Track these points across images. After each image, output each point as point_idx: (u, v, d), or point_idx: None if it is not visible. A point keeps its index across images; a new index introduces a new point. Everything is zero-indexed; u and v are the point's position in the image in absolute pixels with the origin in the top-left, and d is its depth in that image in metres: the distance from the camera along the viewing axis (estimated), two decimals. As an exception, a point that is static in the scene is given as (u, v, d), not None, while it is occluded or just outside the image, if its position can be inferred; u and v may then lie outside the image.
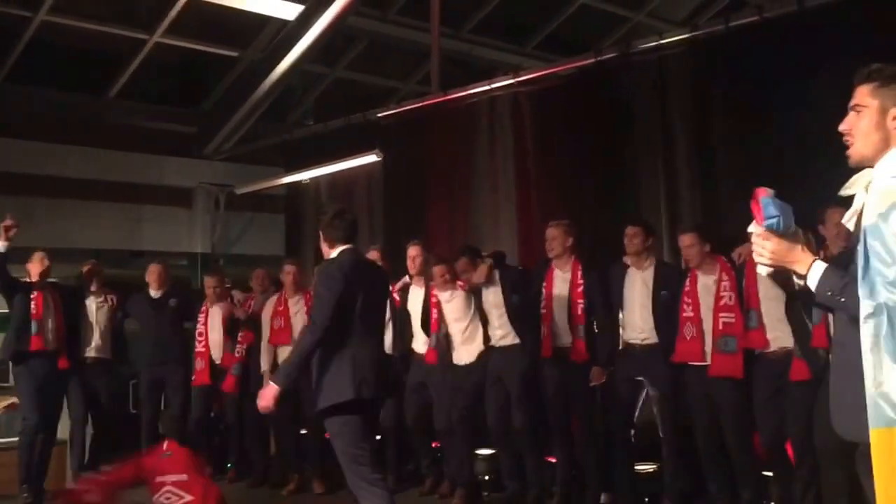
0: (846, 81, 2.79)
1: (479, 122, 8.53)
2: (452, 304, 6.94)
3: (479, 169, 8.59)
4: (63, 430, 7.77)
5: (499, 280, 6.74)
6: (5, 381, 7.96)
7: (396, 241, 7.96)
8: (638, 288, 6.28)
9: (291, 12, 9.14)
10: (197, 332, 8.11)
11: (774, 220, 2.69)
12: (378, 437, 7.21)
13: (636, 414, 6.39)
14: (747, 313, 5.67)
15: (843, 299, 2.58)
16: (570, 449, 6.62)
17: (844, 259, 2.90)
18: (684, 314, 5.98)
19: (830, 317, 4.39)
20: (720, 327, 5.79)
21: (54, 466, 7.72)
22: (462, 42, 10.69)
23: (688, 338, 5.96)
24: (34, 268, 7.49)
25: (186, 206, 11.02)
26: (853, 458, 2.75)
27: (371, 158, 9.21)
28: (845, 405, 2.68)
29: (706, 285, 5.92)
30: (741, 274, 5.73)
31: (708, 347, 5.86)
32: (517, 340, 6.65)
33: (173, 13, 9.09)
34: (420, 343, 7.17)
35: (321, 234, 5.17)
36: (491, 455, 7.03)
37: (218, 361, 7.99)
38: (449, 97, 8.57)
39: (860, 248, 2.48)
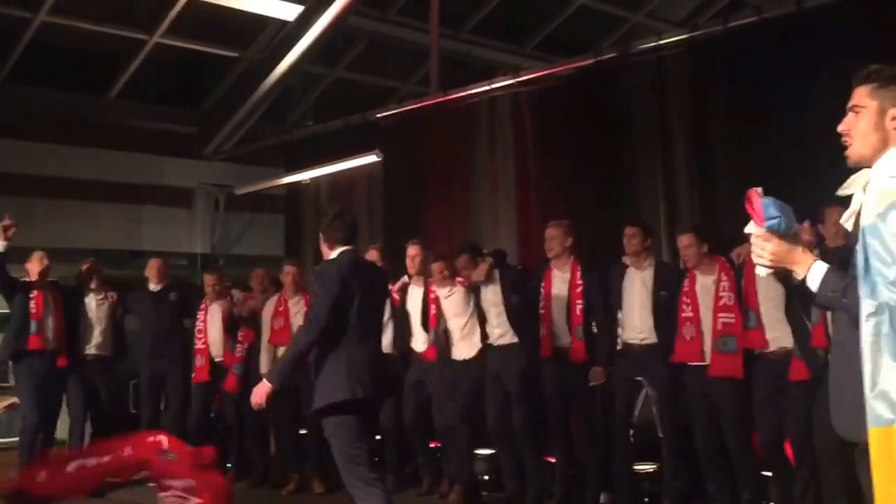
0: (845, 82, 2.80)
1: (479, 122, 8.54)
2: (451, 299, 6.96)
3: (478, 169, 8.61)
4: (63, 428, 7.78)
5: (498, 279, 6.75)
6: (5, 382, 7.98)
7: (396, 242, 7.96)
8: (637, 288, 6.28)
9: (291, 13, 9.15)
10: (196, 329, 8.11)
11: (776, 222, 2.69)
12: (378, 438, 7.24)
13: (635, 414, 6.39)
14: (746, 313, 5.67)
15: (845, 300, 2.58)
16: (570, 449, 6.63)
17: (842, 253, 2.90)
18: (683, 314, 5.99)
19: (829, 316, 4.41)
20: (719, 327, 5.80)
21: (54, 466, 7.73)
22: (461, 42, 10.70)
23: (687, 338, 5.96)
24: (33, 267, 7.51)
25: (186, 207, 11.04)
26: (852, 458, 2.75)
27: (371, 159, 9.22)
28: (845, 405, 2.68)
29: (705, 285, 5.93)
30: (740, 274, 5.74)
31: (707, 347, 5.87)
32: (515, 340, 6.67)
33: (173, 14, 9.11)
34: (419, 342, 7.19)
35: (321, 235, 5.20)
36: (491, 455, 7.04)
37: (218, 359, 8.00)
38: (448, 97, 8.58)
39: (859, 247, 2.48)
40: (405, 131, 9.16)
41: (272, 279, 8.21)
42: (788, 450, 5.52)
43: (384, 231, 9.27)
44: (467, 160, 8.67)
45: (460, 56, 10.76)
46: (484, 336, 6.81)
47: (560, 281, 6.54)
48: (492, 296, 6.76)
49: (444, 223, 8.74)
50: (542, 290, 6.57)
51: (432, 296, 7.05)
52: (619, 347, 6.44)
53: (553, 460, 6.70)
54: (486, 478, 7.09)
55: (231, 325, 7.95)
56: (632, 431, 6.35)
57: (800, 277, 2.72)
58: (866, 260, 2.44)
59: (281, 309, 7.58)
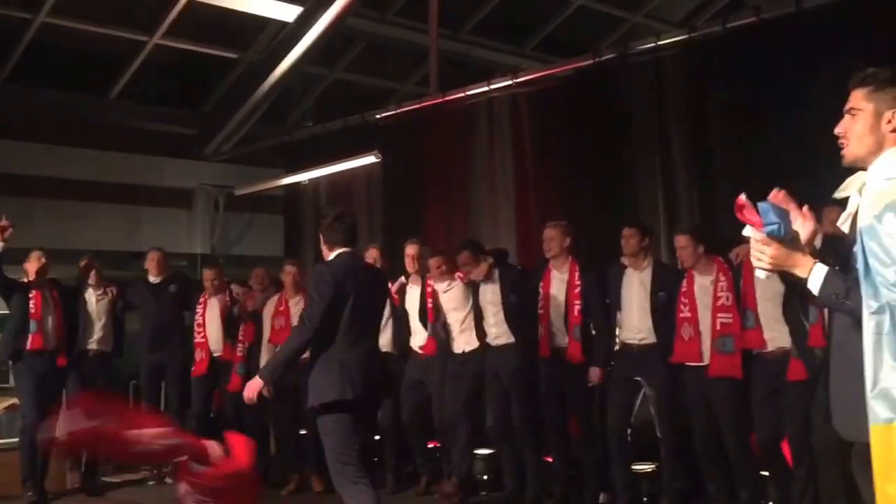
0: (844, 82, 2.82)
1: (478, 123, 8.55)
2: (450, 294, 7.01)
3: (477, 170, 8.62)
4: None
5: (498, 278, 6.77)
6: (5, 382, 7.99)
7: (396, 242, 7.98)
8: (635, 288, 6.30)
9: (290, 14, 9.15)
10: (196, 322, 8.17)
11: (775, 227, 2.71)
12: (376, 438, 7.25)
13: (633, 414, 6.41)
14: (744, 313, 5.69)
15: (848, 302, 2.60)
16: (567, 449, 6.65)
17: (836, 242, 2.92)
18: (681, 315, 6.00)
19: (826, 314, 4.42)
20: (718, 328, 5.82)
21: (54, 466, 7.74)
22: (460, 43, 10.70)
23: (685, 338, 5.98)
24: (31, 266, 7.53)
25: (186, 208, 11.04)
26: (850, 458, 2.77)
27: (370, 159, 9.22)
28: (846, 405, 2.70)
29: (703, 286, 5.95)
30: (738, 274, 5.76)
31: (705, 348, 5.88)
32: (512, 340, 6.70)
33: (173, 15, 9.10)
34: (418, 339, 7.23)
35: (321, 236, 5.25)
36: (490, 454, 7.06)
37: (217, 354, 8.04)
38: (447, 98, 8.58)
39: (858, 249, 2.50)
40: (404, 132, 9.17)
41: (272, 279, 8.23)
42: (786, 449, 5.54)
43: (383, 232, 9.27)
44: (466, 161, 8.68)
45: (459, 57, 10.76)
46: (483, 333, 6.83)
47: (558, 281, 6.56)
48: (490, 295, 6.79)
49: (444, 223, 8.75)
50: (540, 290, 6.60)
51: (429, 290, 7.08)
52: (617, 348, 6.46)
53: (551, 460, 6.72)
54: (486, 477, 7.12)
55: (229, 322, 7.99)
56: (629, 431, 6.37)
57: (801, 278, 2.73)
58: (866, 262, 2.46)
59: (282, 308, 7.62)
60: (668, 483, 6.22)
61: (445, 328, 7.05)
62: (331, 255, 5.17)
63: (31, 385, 7.39)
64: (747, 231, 2.81)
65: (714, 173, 6.92)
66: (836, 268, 2.75)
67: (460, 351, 6.97)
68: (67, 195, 9.86)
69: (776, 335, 5.53)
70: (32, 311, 7.44)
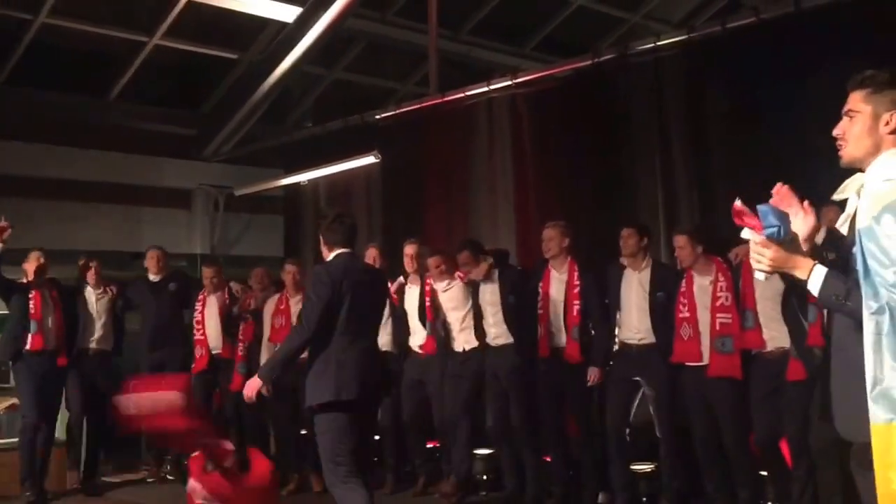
0: (842, 82, 2.83)
1: (478, 123, 8.56)
2: (450, 293, 7.02)
3: (477, 170, 8.63)
4: (60, 429, 7.80)
5: (497, 279, 6.78)
6: (6, 382, 7.99)
7: (395, 243, 7.99)
8: (634, 289, 6.31)
9: (290, 14, 9.16)
10: (194, 319, 8.20)
11: (775, 230, 2.73)
12: (377, 438, 7.26)
13: (632, 413, 6.41)
14: (743, 313, 5.70)
15: (848, 303, 2.61)
16: (566, 449, 6.66)
17: (836, 235, 2.93)
18: (680, 315, 6.01)
19: (824, 314, 4.43)
20: (717, 328, 5.82)
21: (54, 466, 7.75)
22: (460, 44, 10.70)
23: (685, 338, 5.99)
24: (30, 266, 7.54)
25: (186, 208, 11.04)
26: (848, 457, 2.78)
27: (369, 160, 9.23)
28: (846, 405, 2.71)
29: (702, 286, 5.96)
30: (737, 274, 5.76)
31: (704, 348, 5.89)
32: (511, 340, 6.71)
33: (173, 15, 9.11)
34: (417, 339, 7.24)
35: (321, 237, 5.27)
36: (489, 454, 7.06)
37: (216, 352, 8.06)
38: (447, 99, 8.59)
39: (857, 250, 2.52)
40: (404, 132, 9.17)
41: (272, 278, 8.25)
42: (785, 449, 5.55)
43: (383, 232, 9.28)
44: (466, 161, 8.69)
45: (459, 57, 10.76)
46: (481, 333, 6.84)
47: (557, 282, 6.57)
48: (490, 295, 6.80)
49: (443, 224, 8.76)
50: (539, 291, 6.61)
51: (428, 289, 7.09)
52: (616, 348, 6.47)
53: (549, 460, 6.73)
54: (485, 477, 7.12)
55: (228, 320, 8.01)
56: (628, 431, 6.38)
57: (801, 280, 2.74)
58: (865, 263, 2.47)
59: (282, 307, 7.64)
60: (667, 483, 6.22)
61: (445, 327, 7.06)
62: (330, 256, 5.20)
63: (31, 385, 7.40)
64: (746, 233, 2.82)
65: (713, 173, 6.93)
66: (833, 255, 2.76)
67: (460, 349, 6.98)
68: (67, 196, 9.86)
69: (775, 335, 5.54)
70: (32, 311, 7.45)
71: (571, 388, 6.49)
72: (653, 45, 7.28)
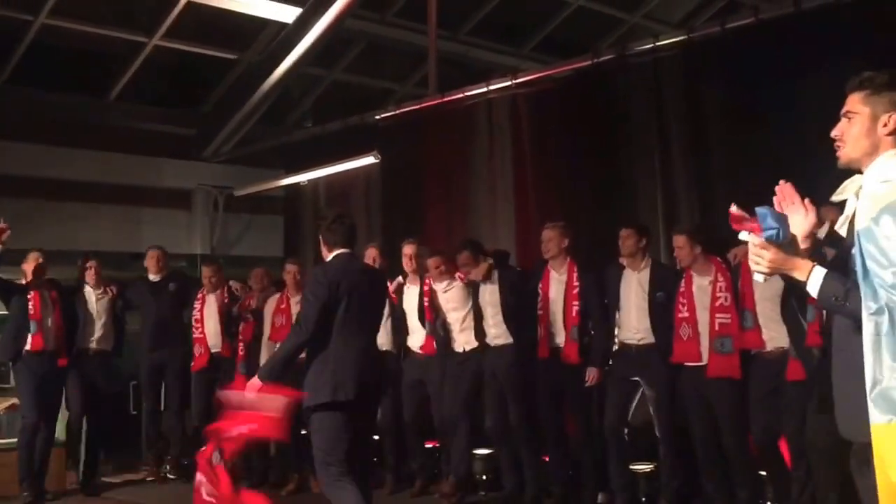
0: (841, 82, 2.84)
1: (477, 123, 8.57)
2: (450, 293, 7.02)
3: (476, 170, 8.63)
4: (59, 429, 7.80)
5: (497, 279, 6.79)
6: (6, 382, 8.00)
7: (395, 243, 7.99)
8: (633, 289, 6.31)
9: (290, 15, 9.17)
10: (193, 318, 8.22)
11: (773, 232, 2.73)
12: (375, 438, 7.26)
13: (630, 413, 6.42)
14: (742, 314, 5.71)
15: (847, 304, 2.62)
16: (566, 449, 6.66)
17: (836, 236, 2.94)
18: (679, 315, 6.02)
19: (823, 314, 4.44)
20: (716, 328, 5.82)
21: (54, 466, 7.75)
22: (459, 44, 10.71)
23: (684, 338, 6.00)
24: (28, 267, 7.55)
25: (186, 208, 11.06)
26: (844, 456, 2.79)
27: (369, 160, 9.24)
28: (846, 405, 2.72)
29: (701, 286, 5.96)
30: (736, 275, 5.77)
31: (704, 348, 5.89)
32: (510, 340, 6.72)
33: (172, 16, 9.13)
34: (417, 340, 7.24)
35: (321, 237, 5.28)
36: (489, 454, 7.07)
37: (215, 350, 8.09)
38: (446, 99, 8.60)
39: (856, 251, 2.52)
40: (403, 133, 9.18)
41: (271, 279, 8.26)
42: (784, 449, 5.56)
43: (383, 233, 9.28)
44: (466, 161, 8.69)
45: (458, 57, 10.77)
46: (481, 334, 6.85)
47: (557, 282, 6.58)
48: (489, 296, 6.80)
49: (443, 224, 8.76)
50: (539, 292, 6.61)
51: (427, 289, 7.10)
52: (615, 348, 6.47)
53: (548, 460, 6.73)
54: (485, 477, 7.13)
55: (228, 320, 8.02)
56: (627, 431, 6.38)
57: (800, 281, 2.75)
58: (864, 264, 2.47)
59: (283, 306, 7.67)
60: (666, 483, 6.22)
61: (445, 327, 7.07)
62: (329, 256, 5.22)
63: (31, 385, 7.40)
64: (744, 235, 2.83)
65: (712, 173, 6.93)
66: (834, 252, 2.77)
67: (460, 350, 6.99)
68: (67, 196, 9.88)
69: (774, 335, 5.55)
70: (31, 311, 7.45)
71: (571, 388, 6.49)
72: (652, 45, 7.29)
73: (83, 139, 9.88)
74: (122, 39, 9.53)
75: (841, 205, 2.88)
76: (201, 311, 8.18)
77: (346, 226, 5.26)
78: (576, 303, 6.45)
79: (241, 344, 7.91)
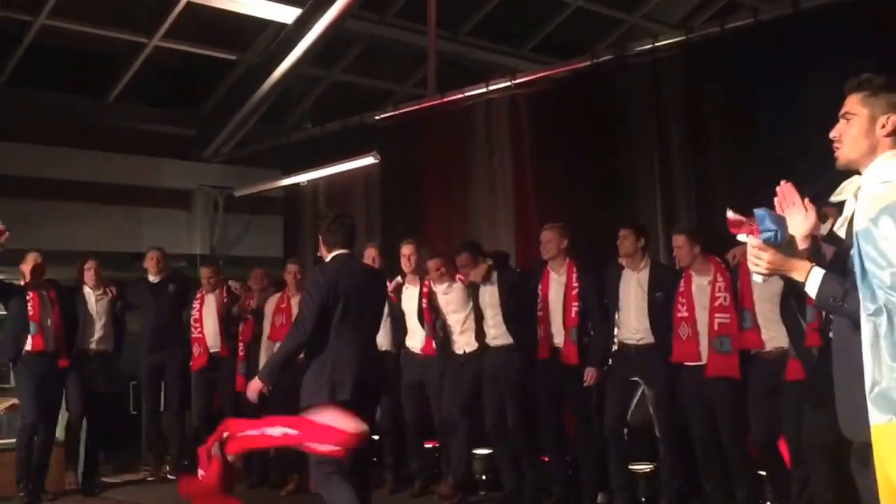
0: (840, 83, 2.85)
1: (477, 124, 8.57)
2: (450, 295, 7.02)
3: (476, 171, 8.63)
4: (62, 428, 7.80)
5: (497, 280, 6.79)
6: (6, 383, 8.01)
7: (394, 244, 7.99)
8: (633, 289, 6.31)
9: (289, 15, 9.18)
10: (192, 318, 8.22)
11: (772, 234, 2.74)
12: (375, 438, 7.27)
13: (630, 413, 6.42)
14: (742, 314, 5.71)
15: (845, 305, 2.63)
16: (565, 449, 6.67)
17: (836, 237, 2.95)
18: (679, 315, 6.02)
19: (823, 314, 4.45)
20: (715, 328, 5.83)
21: (54, 466, 7.75)
22: (459, 45, 10.72)
23: (683, 338, 6.00)
24: (26, 267, 7.54)
25: (185, 209, 11.07)
26: (842, 455, 2.80)
27: (368, 161, 9.25)
28: (846, 405, 2.73)
29: (701, 286, 5.96)
30: (735, 275, 5.77)
31: (703, 347, 5.89)
32: (510, 341, 6.72)
33: (172, 16, 9.13)
34: (416, 340, 7.24)
35: (320, 238, 5.30)
36: (488, 454, 7.07)
37: (214, 350, 8.10)
38: (446, 99, 8.61)
39: (854, 252, 2.53)
40: (403, 133, 9.19)
41: (271, 279, 8.27)
42: (783, 449, 5.56)
43: (382, 233, 9.28)
44: (465, 162, 8.70)
45: (457, 58, 10.78)
46: (481, 335, 6.85)
47: (556, 283, 6.58)
48: (489, 297, 6.81)
49: (442, 225, 8.77)
50: (539, 292, 6.62)
51: (425, 290, 7.10)
52: (615, 348, 6.48)
53: (548, 460, 6.74)
54: (484, 477, 7.13)
55: (227, 320, 8.04)
56: (626, 431, 6.39)
57: (799, 282, 2.76)
58: (862, 265, 2.48)
59: (283, 305, 7.68)
60: (666, 483, 6.22)
61: (445, 329, 7.07)
62: (329, 257, 5.23)
63: (31, 385, 7.39)
64: (743, 236, 2.84)
65: (711, 174, 6.93)
66: (834, 251, 2.77)
67: (461, 352, 6.99)
68: (67, 196, 9.88)
69: (774, 335, 5.55)
70: (30, 312, 7.44)
71: (571, 389, 6.49)
72: (651, 45, 7.30)
73: (83, 139, 9.88)
74: (122, 40, 9.54)
75: (839, 205, 2.89)
76: (200, 311, 8.19)
77: (346, 226, 5.28)
78: (575, 303, 6.46)
79: (240, 344, 7.92)
